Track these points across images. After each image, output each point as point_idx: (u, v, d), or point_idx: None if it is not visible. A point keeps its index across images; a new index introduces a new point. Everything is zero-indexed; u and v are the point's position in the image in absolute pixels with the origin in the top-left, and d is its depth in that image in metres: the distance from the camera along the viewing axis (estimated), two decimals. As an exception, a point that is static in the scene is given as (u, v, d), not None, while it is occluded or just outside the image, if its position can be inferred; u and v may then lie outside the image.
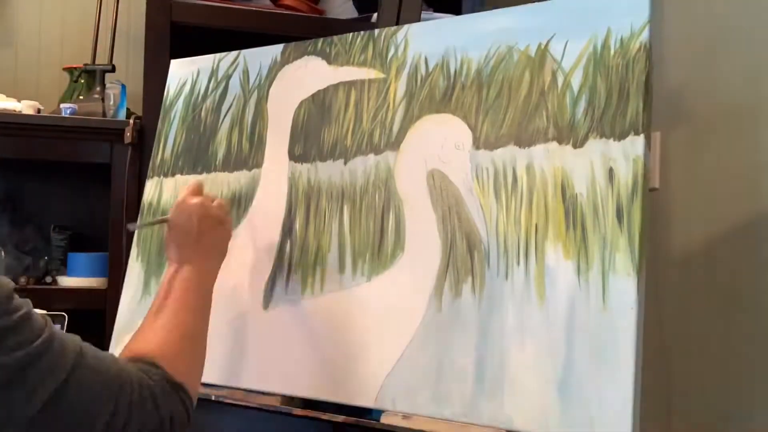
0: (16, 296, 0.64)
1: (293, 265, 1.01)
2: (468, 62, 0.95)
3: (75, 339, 0.68)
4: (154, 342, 0.78)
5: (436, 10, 1.58)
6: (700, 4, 1.13)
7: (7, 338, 0.61)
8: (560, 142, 0.86)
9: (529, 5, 0.94)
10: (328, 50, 1.08)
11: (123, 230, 1.41)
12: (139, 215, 1.18)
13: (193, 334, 0.83)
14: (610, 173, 0.81)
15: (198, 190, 0.94)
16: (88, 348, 0.68)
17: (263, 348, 0.99)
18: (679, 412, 1.11)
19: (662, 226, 1.15)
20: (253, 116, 1.13)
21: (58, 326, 0.68)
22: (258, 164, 1.09)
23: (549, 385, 0.79)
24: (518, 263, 0.84)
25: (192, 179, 1.15)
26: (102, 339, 1.15)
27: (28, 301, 0.66)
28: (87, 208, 1.82)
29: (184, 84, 1.22)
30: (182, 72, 1.24)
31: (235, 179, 1.11)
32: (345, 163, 1.01)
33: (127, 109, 1.65)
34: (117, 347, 1.06)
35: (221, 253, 0.94)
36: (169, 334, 0.80)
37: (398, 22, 1.35)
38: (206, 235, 0.90)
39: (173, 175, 1.17)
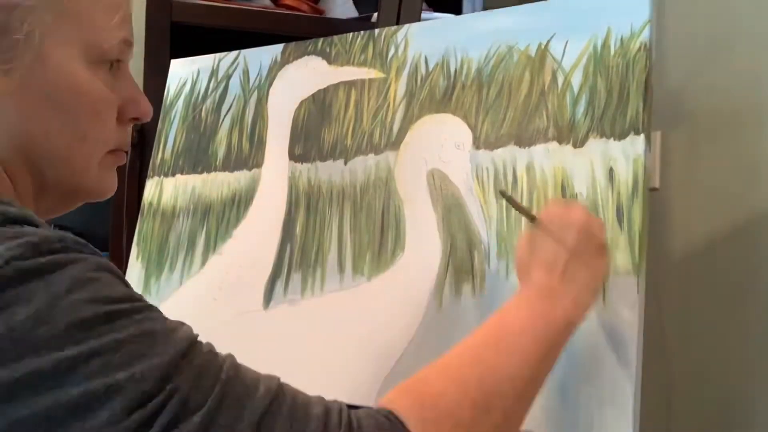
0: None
1: (293, 265, 1.01)
2: (468, 62, 0.95)
3: (270, 380, 0.52)
4: (430, 391, 0.55)
5: (436, 10, 1.58)
6: (700, 3, 1.13)
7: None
8: (560, 142, 0.86)
9: (529, 5, 0.94)
10: (328, 50, 1.09)
11: (123, 230, 1.41)
12: (139, 214, 1.18)
13: (499, 402, 0.56)
14: (610, 173, 0.81)
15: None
16: (285, 387, 0.53)
17: (263, 348, 0.99)
18: (679, 412, 1.11)
19: (662, 226, 1.14)
20: (253, 116, 1.13)
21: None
22: (258, 164, 1.09)
23: (549, 385, 0.79)
24: (518, 263, 0.84)
25: (191, 179, 1.15)
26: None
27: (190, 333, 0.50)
28: (87, 208, 1.82)
29: (184, 84, 1.22)
30: (182, 72, 1.24)
31: (235, 179, 1.11)
32: (345, 163, 1.01)
33: (127, 109, 1.65)
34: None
35: (594, 293, 0.68)
36: (464, 393, 0.55)
37: (398, 22, 1.35)
38: (582, 263, 0.66)
39: (173, 175, 1.17)
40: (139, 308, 0.48)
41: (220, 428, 0.46)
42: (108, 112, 0.59)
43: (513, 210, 0.86)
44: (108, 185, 0.62)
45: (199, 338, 0.50)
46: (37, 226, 0.49)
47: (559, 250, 0.66)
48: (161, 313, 0.49)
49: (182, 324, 0.50)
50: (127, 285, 0.50)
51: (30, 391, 0.43)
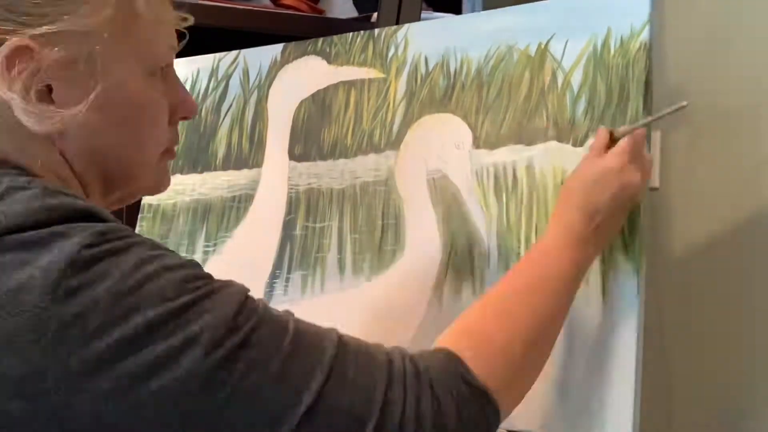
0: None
1: (293, 265, 1.01)
2: (468, 62, 0.95)
3: (331, 333, 0.57)
4: (487, 336, 0.62)
5: (436, 10, 1.58)
6: (700, 3, 1.13)
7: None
8: (560, 142, 0.86)
9: (529, 5, 0.94)
10: (328, 50, 1.09)
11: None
12: (139, 214, 1.18)
13: (542, 340, 0.65)
14: (611, 173, 0.81)
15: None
16: (348, 338, 0.58)
17: (263, 348, 0.99)
18: (679, 412, 1.11)
19: (662, 226, 1.14)
20: (253, 116, 1.13)
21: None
22: (258, 164, 1.09)
23: (549, 385, 0.79)
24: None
25: (191, 178, 1.15)
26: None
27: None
28: (87, 208, 1.82)
29: (184, 83, 1.22)
30: (182, 72, 1.23)
31: (235, 179, 1.11)
32: (345, 163, 1.01)
33: (127, 109, 1.65)
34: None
35: (610, 244, 0.77)
36: (509, 328, 0.63)
37: (398, 22, 1.35)
38: (615, 221, 0.73)
39: (173, 174, 1.17)
40: (196, 274, 0.54)
41: (295, 376, 0.52)
42: (163, 118, 0.65)
43: (513, 210, 0.86)
44: (164, 181, 0.70)
45: (249, 292, 0.56)
46: (101, 216, 0.54)
47: (604, 207, 0.71)
48: (210, 274, 0.55)
49: (233, 281, 0.56)
50: (173, 253, 0.56)
51: (119, 356, 0.48)
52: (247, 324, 0.52)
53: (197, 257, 1.09)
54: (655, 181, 1.12)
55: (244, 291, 0.55)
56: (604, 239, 0.73)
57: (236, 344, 0.51)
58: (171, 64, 0.67)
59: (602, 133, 0.77)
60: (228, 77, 1.17)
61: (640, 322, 0.76)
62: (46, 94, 0.57)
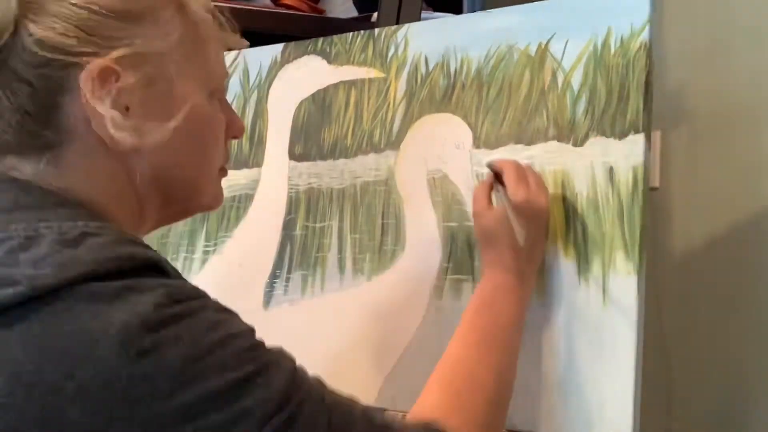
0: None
1: (293, 265, 1.01)
2: (468, 62, 0.95)
3: (357, 404, 0.59)
4: (468, 407, 0.66)
5: (436, 10, 1.58)
6: (700, 3, 1.13)
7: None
8: (560, 142, 0.86)
9: (529, 5, 0.94)
10: (328, 50, 1.09)
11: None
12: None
13: (506, 392, 0.71)
14: (611, 172, 0.81)
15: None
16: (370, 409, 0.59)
17: (263, 348, 0.99)
18: (679, 411, 1.11)
19: (662, 226, 1.14)
20: (254, 116, 1.13)
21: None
22: (258, 163, 1.09)
23: (549, 385, 0.79)
24: (518, 263, 0.84)
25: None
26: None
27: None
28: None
29: (184, 83, 1.22)
30: (182, 71, 1.23)
31: (235, 179, 1.11)
32: (345, 163, 1.01)
33: (127, 108, 1.65)
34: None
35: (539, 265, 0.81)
36: (481, 395, 0.67)
37: (398, 22, 1.35)
38: (538, 244, 0.80)
39: (173, 174, 1.17)
40: (254, 344, 0.55)
41: None
42: (222, 135, 0.68)
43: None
44: (220, 197, 0.70)
45: (296, 362, 0.58)
46: (167, 270, 0.56)
47: (527, 235, 0.77)
48: (263, 341, 0.56)
49: (282, 350, 0.58)
50: (234, 315, 0.58)
51: (180, 420, 0.49)
52: (295, 398, 0.54)
53: (197, 257, 1.09)
54: (655, 181, 1.12)
55: (293, 363, 0.57)
56: (535, 265, 0.79)
57: (284, 419, 0.52)
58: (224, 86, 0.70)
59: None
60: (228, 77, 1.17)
61: (640, 322, 0.76)
62: (126, 114, 0.59)
